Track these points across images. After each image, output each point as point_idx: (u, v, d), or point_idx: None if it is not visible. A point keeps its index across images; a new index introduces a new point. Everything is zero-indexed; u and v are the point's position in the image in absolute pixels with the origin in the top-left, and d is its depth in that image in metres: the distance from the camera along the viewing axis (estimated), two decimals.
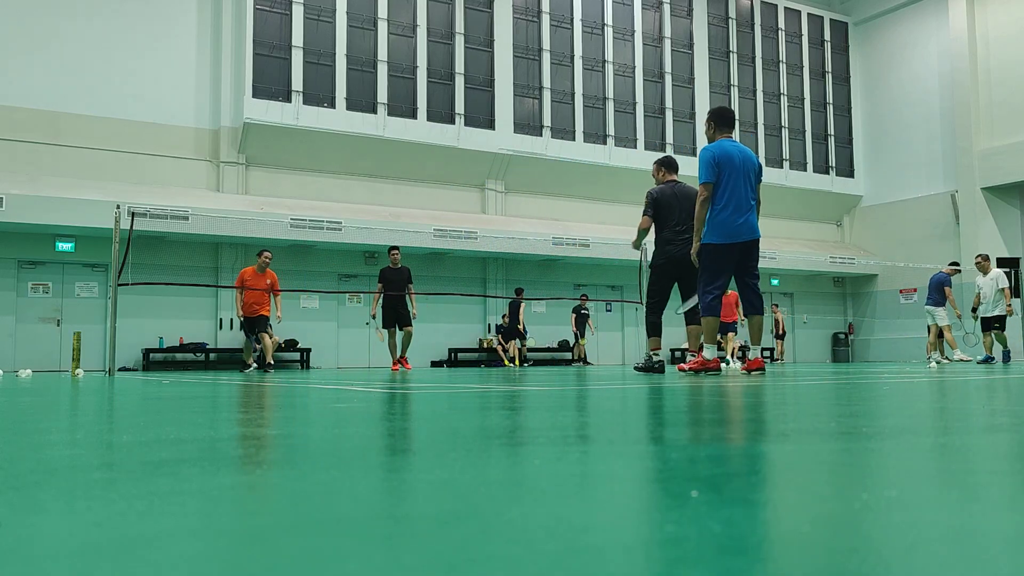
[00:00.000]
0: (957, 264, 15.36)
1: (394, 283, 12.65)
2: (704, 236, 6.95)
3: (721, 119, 7.13)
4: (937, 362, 14.18)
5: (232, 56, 17.67)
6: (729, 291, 14.72)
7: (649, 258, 8.64)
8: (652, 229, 8.10)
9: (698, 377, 6.27)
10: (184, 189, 17.00)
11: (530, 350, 20.17)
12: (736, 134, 23.99)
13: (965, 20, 23.52)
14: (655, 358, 7.94)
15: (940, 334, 15.43)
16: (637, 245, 8.55)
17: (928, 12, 24.78)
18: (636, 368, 8.22)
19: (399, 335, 12.90)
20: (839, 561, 0.70)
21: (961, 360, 14.83)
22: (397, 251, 12.99)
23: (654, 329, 8.06)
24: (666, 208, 7.95)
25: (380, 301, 12.72)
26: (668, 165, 8.29)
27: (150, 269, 15.41)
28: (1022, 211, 23.49)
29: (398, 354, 12.82)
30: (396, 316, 12.70)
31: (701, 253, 7.01)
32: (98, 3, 16.73)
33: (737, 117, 24.14)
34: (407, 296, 12.67)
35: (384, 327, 12.80)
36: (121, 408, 3.16)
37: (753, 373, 6.89)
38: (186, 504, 1.01)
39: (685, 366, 7.30)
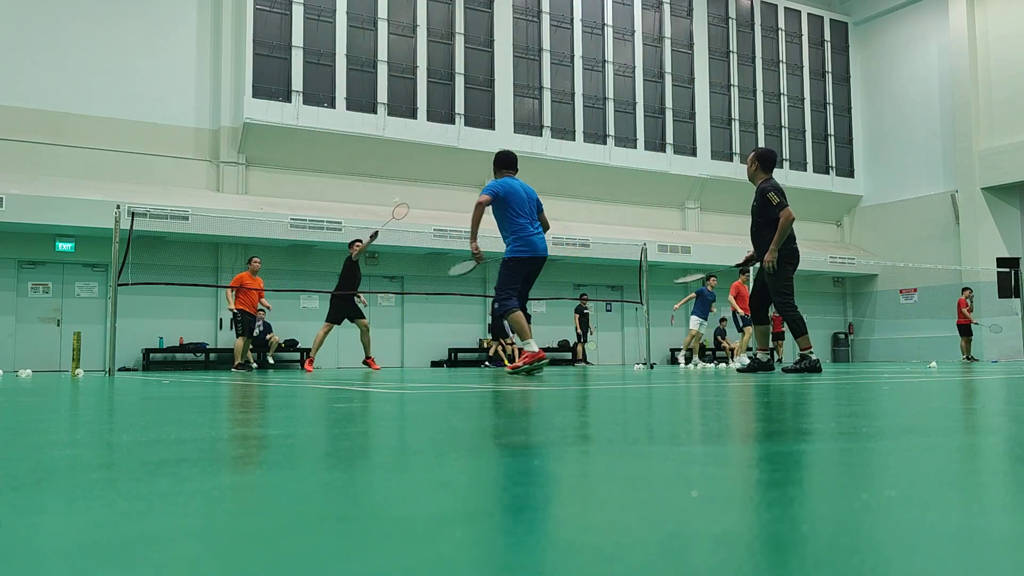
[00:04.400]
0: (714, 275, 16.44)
1: (348, 279, 12.22)
2: (508, 252, 7.74)
3: (502, 163, 7.92)
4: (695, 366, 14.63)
5: (232, 56, 17.67)
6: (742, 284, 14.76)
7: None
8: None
9: (531, 375, 6.78)
10: (184, 189, 17.00)
11: None
12: (735, 134, 24.06)
13: (965, 20, 23.53)
14: (817, 362, 7.64)
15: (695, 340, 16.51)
16: (780, 243, 7.75)
17: (928, 12, 24.78)
18: (785, 370, 7.80)
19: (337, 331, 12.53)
20: (839, 561, 0.70)
21: (704, 368, 15.31)
22: (360, 243, 12.48)
23: (803, 325, 7.81)
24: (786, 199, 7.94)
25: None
26: (765, 161, 8.05)
27: (150, 269, 15.40)
28: (1022, 211, 23.50)
29: (365, 354, 12.32)
30: (346, 313, 12.20)
31: (504, 266, 7.74)
32: (98, 4, 16.73)
33: (736, 117, 24.18)
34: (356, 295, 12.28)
35: (328, 320, 12.27)
36: (121, 408, 3.16)
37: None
38: (186, 504, 1.01)
39: (518, 363, 7.56)
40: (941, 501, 0.99)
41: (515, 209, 7.70)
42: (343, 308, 12.27)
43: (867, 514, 0.91)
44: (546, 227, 8.03)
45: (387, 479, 1.23)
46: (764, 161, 8.01)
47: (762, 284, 8.03)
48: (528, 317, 7.95)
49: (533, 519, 0.90)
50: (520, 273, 7.75)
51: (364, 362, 12.51)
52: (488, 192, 7.67)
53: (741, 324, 15.67)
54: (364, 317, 12.42)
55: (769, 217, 7.77)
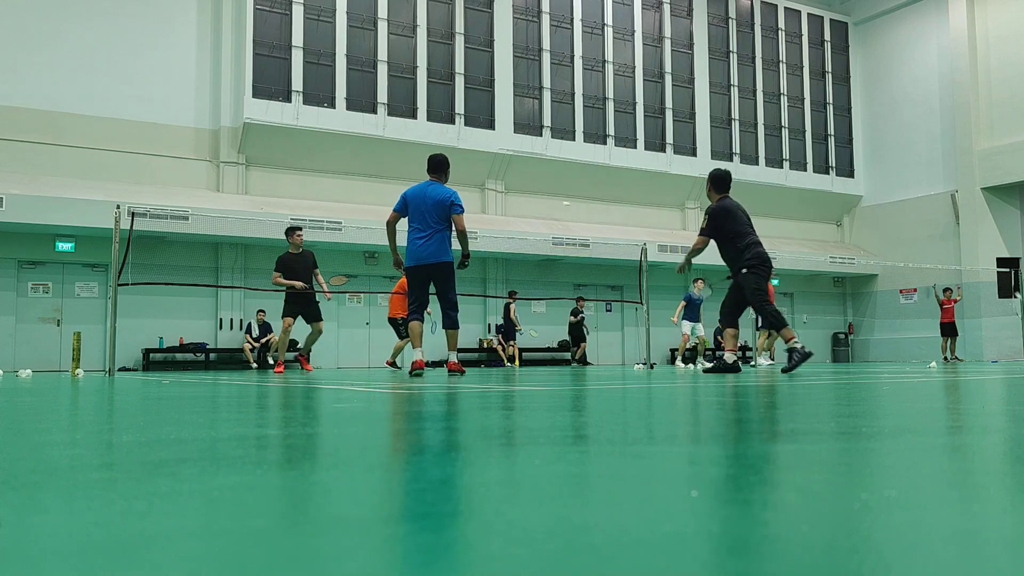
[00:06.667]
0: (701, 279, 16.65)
1: (294, 271, 11.08)
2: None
3: (435, 166, 7.96)
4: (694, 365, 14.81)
5: (232, 56, 17.67)
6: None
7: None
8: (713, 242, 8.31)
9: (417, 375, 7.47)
10: (184, 189, 17.00)
11: (529, 350, 20.18)
12: (735, 134, 24.06)
13: (965, 20, 23.52)
14: (805, 348, 7.81)
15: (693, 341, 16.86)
16: (690, 258, 8.44)
17: (928, 12, 24.78)
18: (785, 370, 7.79)
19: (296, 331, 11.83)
20: (839, 561, 0.70)
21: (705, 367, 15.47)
22: (301, 233, 11.48)
23: (781, 317, 8.07)
24: (733, 217, 8.08)
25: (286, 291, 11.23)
26: (716, 181, 8.32)
27: (150, 269, 15.40)
28: (1022, 211, 23.49)
29: (303, 349, 11.44)
30: (303, 309, 11.17)
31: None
32: (98, 3, 16.73)
33: (736, 117, 24.18)
34: (315, 282, 11.34)
35: (286, 315, 11.22)
36: (121, 408, 3.16)
37: (451, 376, 7.62)
38: (186, 504, 1.01)
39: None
40: (941, 501, 0.99)
41: (412, 214, 7.82)
42: (298, 303, 11.24)
43: (866, 514, 0.91)
44: (460, 230, 7.81)
45: (388, 479, 1.23)
46: (716, 182, 8.33)
47: (735, 289, 8.25)
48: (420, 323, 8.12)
49: (531, 517, 0.90)
50: (412, 282, 7.91)
51: (297, 358, 11.52)
52: (395, 208, 7.99)
53: (759, 324, 15.64)
54: (321, 320, 11.38)
55: (724, 234, 8.10)
